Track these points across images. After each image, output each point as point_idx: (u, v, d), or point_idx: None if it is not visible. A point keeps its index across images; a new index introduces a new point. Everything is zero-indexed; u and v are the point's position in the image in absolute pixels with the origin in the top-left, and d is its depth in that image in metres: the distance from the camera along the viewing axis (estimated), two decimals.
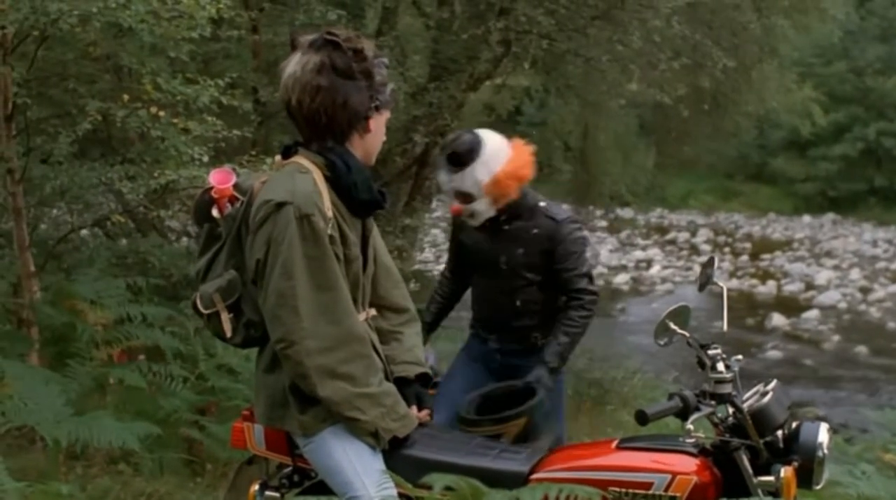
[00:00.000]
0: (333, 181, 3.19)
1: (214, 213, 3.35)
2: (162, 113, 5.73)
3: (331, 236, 3.13)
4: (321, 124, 3.19)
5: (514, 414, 4.10)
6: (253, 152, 6.07)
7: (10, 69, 5.82)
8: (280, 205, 3.09)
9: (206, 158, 5.74)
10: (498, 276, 4.57)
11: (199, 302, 3.34)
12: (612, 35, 9.82)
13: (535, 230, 4.49)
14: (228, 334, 3.32)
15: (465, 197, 4.44)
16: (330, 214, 3.14)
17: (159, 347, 6.18)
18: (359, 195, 3.20)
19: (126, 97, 5.83)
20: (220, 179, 3.34)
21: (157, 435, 5.33)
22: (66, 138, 6.06)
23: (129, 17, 5.41)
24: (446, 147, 4.49)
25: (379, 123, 3.25)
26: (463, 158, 4.38)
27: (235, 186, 3.36)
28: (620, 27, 9.75)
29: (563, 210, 4.70)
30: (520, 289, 4.55)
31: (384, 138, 3.34)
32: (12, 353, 6.25)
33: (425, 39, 11.21)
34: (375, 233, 3.46)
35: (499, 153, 4.40)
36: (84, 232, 8.64)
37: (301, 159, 3.23)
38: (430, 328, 4.79)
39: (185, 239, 9.55)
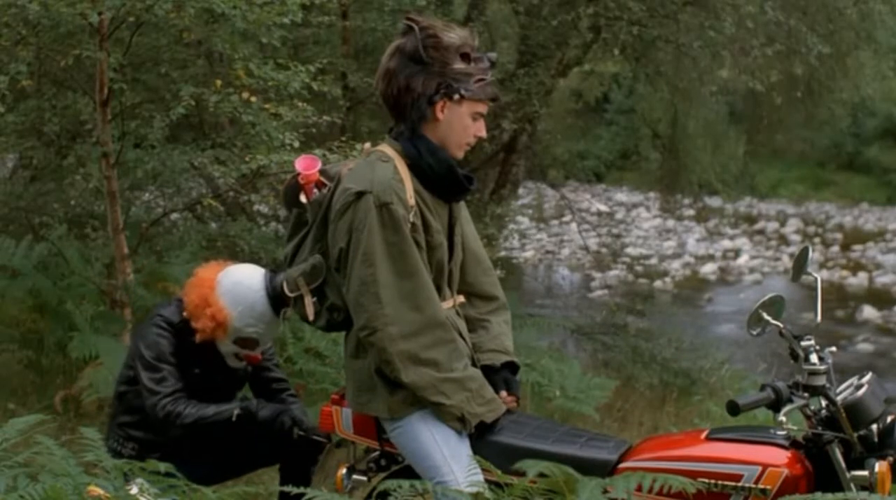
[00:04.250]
0: (414, 168, 3.20)
1: (302, 198, 3.39)
2: (254, 98, 5.78)
3: (412, 224, 3.14)
4: (392, 107, 3.22)
5: None
6: (342, 138, 6.09)
7: (107, 55, 5.91)
8: (360, 194, 3.12)
9: (296, 144, 5.78)
10: None
11: (284, 286, 3.39)
12: (703, 21, 9.70)
13: None
14: (311, 317, 3.35)
15: None
16: (412, 202, 3.15)
17: None
18: (437, 175, 3.21)
19: (219, 82, 5.89)
20: (306, 165, 3.37)
21: None
22: (161, 123, 6.15)
23: (222, 2, 5.47)
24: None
25: (454, 113, 3.20)
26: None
27: (322, 172, 3.39)
28: (712, 13, 9.63)
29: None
30: None
31: (475, 132, 3.27)
32: (106, 332, 6.44)
33: (514, 25, 11.17)
34: (465, 220, 3.45)
35: None
36: (175, 215, 8.76)
37: (384, 147, 3.26)
38: None
39: (274, 223, 9.64)
